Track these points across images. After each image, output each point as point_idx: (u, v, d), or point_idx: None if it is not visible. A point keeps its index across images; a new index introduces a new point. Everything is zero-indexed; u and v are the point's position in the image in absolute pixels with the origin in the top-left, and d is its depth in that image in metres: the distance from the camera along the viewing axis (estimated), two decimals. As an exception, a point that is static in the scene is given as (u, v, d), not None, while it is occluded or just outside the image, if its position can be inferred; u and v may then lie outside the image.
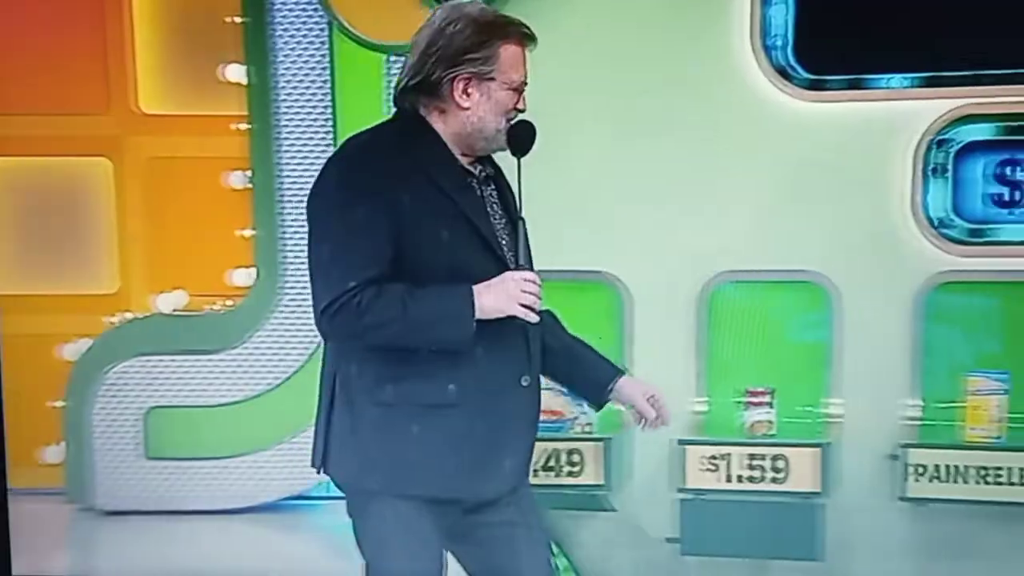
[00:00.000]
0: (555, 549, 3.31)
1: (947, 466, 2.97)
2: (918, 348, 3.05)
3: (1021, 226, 2.98)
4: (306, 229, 3.28)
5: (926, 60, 2.93)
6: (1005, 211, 2.99)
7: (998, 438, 2.99)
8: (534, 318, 2.16)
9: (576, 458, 3.15)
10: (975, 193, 3.00)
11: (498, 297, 2.12)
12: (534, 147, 2.19)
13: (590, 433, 3.18)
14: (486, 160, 2.27)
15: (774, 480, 3.07)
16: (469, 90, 2.14)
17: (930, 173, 2.99)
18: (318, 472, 2.32)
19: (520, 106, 2.20)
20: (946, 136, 2.97)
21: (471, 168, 2.22)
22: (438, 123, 2.18)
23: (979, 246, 3.01)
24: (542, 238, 3.21)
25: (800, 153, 3.05)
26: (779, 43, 3.01)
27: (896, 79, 2.96)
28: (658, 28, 3.08)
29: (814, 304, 3.12)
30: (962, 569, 3.10)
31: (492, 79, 2.15)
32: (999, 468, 2.94)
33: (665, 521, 3.10)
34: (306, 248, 2.17)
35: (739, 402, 3.12)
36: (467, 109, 2.15)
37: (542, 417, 3.19)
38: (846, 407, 3.11)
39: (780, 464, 3.06)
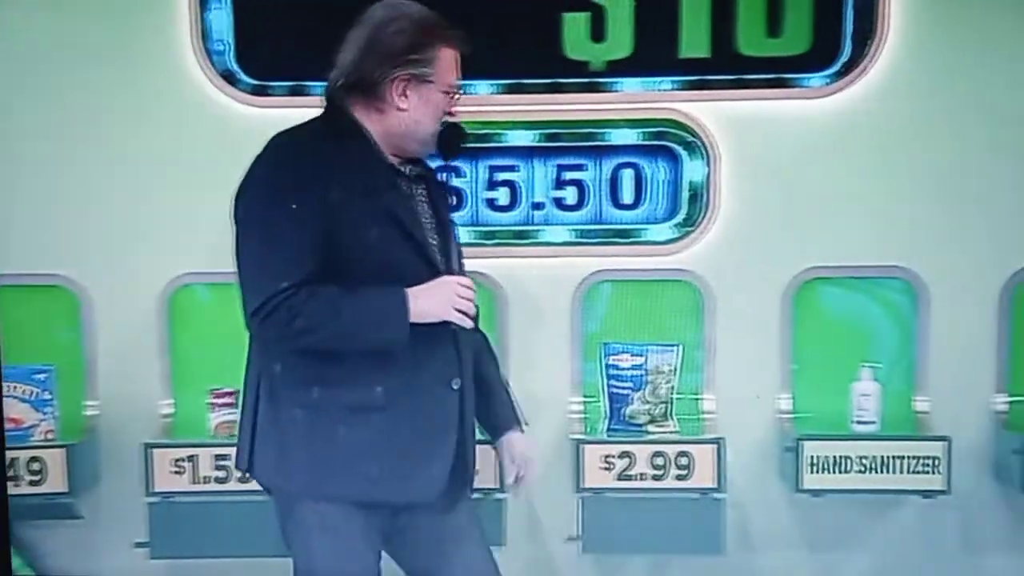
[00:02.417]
0: (21, 560, 3.25)
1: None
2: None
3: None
4: None
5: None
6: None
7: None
8: (469, 324, 2.15)
9: (38, 466, 3.07)
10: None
11: (434, 301, 2.10)
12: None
13: (52, 440, 3.11)
14: (417, 161, 2.24)
15: (243, 480, 3.11)
16: (407, 92, 2.13)
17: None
18: (243, 473, 2.23)
19: (452, 109, 2.19)
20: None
21: (400, 167, 2.17)
22: (371, 122, 2.15)
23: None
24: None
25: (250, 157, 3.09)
26: (222, 48, 3.03)
27: (336, 86, 3.06)
28: (101, 33, 3.04)
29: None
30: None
31: (431, 82, 2.14)
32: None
33: (136, 526, 3.07)
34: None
35: (207, 403, 3.13)
36: (404, 111, 2.13)
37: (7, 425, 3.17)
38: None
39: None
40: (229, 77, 3.06)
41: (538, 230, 3.13)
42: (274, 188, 2.07)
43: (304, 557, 2.23)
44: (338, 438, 2.12)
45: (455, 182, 3.10)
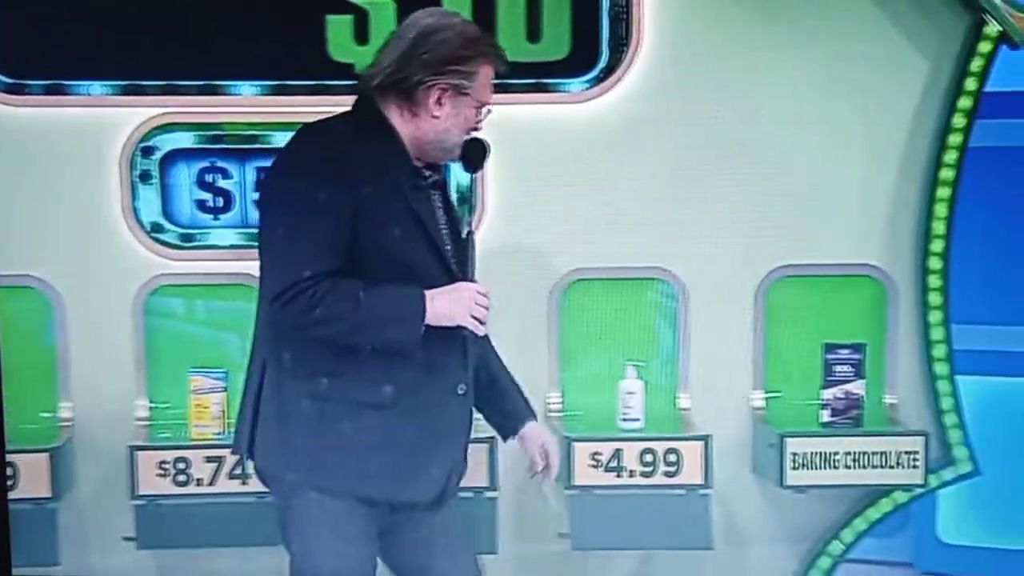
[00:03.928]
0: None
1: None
2: (142, 349, 3.13)
3: (226, 231, 3.13)
4: None
5: (125, 68, 3.01)
6: (211, 216, 3.13)
7: (220, 434, 3.10)
8: (482, 331, 2.20)
9: None
10: (184, 199, 3.11)
11: (451, 305, 2.14)
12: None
13: None
14: (434, 167, 2.27)
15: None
16: (443, 100, 2.17)
17: (139, 179, 3.07)
18: (241, 459, 2.22)
19: (479, 124, 2.25)
20: (150, 143, 3.06)
21: (423, 171, 2.23)
22: (402, 124, 2.19)
23: (191, 250, 3.12)
24: None
25: (6, 157, 3.02)
26: (-27, 44, 2.96)
27: (96, 86, 3.01)
28: None
29: (42, 309, 3.11)
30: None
31: (467, 94, 2.19)
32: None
33: None
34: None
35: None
36: (437, 118, 2.18)
37: None
38: (76, 409, 3.13)
39: (9, 471, 3.02)
40: (-16, 76, 3.00)
41: (308, 232, 3.12)
42: (305, 176, 2.10)
43: (302, 551, 2.22)
44: (342, 432, 2.15)
45: (221, 183, 3.12)
